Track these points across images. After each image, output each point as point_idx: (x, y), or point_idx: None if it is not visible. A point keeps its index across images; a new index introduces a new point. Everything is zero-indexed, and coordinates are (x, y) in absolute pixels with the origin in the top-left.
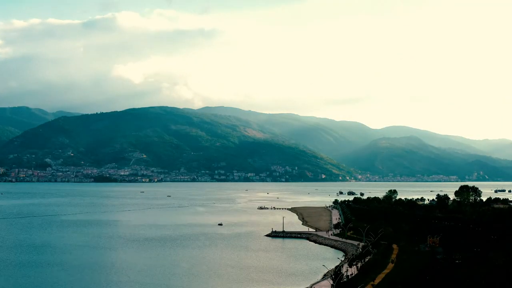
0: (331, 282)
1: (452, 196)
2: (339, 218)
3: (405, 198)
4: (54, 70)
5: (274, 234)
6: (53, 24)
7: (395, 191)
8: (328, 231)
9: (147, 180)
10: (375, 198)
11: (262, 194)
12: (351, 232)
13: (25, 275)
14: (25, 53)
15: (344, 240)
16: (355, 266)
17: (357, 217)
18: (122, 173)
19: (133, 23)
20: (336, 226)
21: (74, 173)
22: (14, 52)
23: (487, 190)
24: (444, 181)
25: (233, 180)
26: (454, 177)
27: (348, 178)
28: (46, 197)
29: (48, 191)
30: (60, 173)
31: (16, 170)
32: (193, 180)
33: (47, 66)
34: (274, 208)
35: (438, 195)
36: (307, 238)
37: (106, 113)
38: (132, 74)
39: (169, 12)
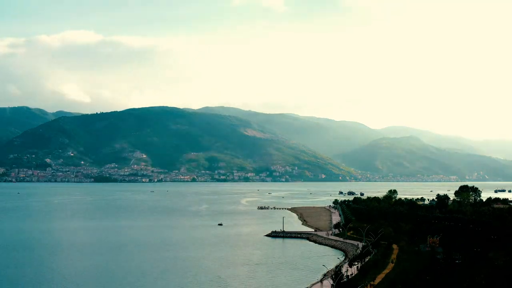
0: (331, 282)
1: (452, 196)
2: (339, 218)
3: (405, 198)
4: None
5: (274, 234)
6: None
7: (395, 191)
8: (328, 231)
9: (147, 180)
10: (375, 198)
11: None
12: (351, 232)
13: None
14: None
15: (344, 240)
16: (355, 266)
17: (357, 217)
18: (122, 173)
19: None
20: (336, 226)
21: (74, 173)
22: None
23: (487, 190)
24: (444, 181)
25: (233, 180)
26: (454, 177)
27: (348, 178)
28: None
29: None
30: (60, 173)
31: (16, 170)
32: (193, 180)
33: None
34: (274, 208)
35: (438, 195)
36: (307, 238)
37: (106, 113)
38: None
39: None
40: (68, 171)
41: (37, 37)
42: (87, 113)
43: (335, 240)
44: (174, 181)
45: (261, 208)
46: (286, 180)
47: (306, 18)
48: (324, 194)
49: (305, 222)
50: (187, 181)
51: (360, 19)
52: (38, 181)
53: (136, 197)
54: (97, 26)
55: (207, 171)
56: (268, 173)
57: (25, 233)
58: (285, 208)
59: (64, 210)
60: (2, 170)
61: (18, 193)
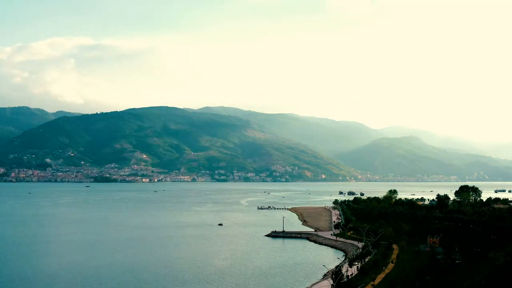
0: (331, 282)
1: (452, 196)
2: (339, 218)
3: (405, 198)
4: None
5: (274, 234)
6: None
7: (395, 191)
8: (328, 231)
9: (147, 180)
10: (375, 198)
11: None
12: (351, 232)
13: None
14: None
15: (344, 240)
16: (355, 266)
17: (357, 217)
18: (122, 173)
19: None
20: (336, 226)
21: (74, 173)
22: None
23: (487, 190)
24: (444, 181)
25: (233, 180)
26: (454, 177)
27: (348, 178)
28: None
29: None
30: (60, 173)
31: (16, 170)
32: (193, 180)
33: None
34: (274, 208)
35: (438, 195)
36: (307, 238)
37: (106, 113)
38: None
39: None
40: (68, 171)
41: (30, 44)
42: (87, 113)
43: (335, 240)
44: (174, 181)
45: (261, 208)
46: (286, 180)
47: (305, 18)
48: (324, 194)
49: (305, 222)
50: (187, 181)
51: (360, 19)
52: (38, 181)
53: (141, 196)
54: (91, 30)
55: (207, 171)
56: (268, 173)
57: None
58: (285, 208)
59: (79, 209)
60: (2, 170)
61: (29, 193)
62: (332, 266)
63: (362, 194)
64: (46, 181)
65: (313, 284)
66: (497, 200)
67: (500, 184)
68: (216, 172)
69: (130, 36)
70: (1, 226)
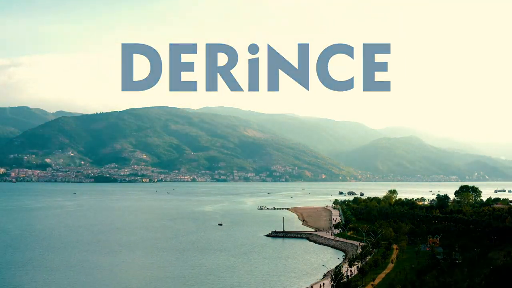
0: (331, 282)
1: (452, 196)
2: (339, 218)
3: (405, 198)
4: None
5: (274, 234)
6: None
7: (395, 191)
8: (328, 231)
9: (147, 180)
10: (375, 198)
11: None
12: (351, 232)
13: None
14: None
15: (344, 240)
16: (355, 266)
17: (357, 217)
18: (122, 173)
19: None
20: (336, 226)
21: (74, 173)
22: None
23: (487, 190)
24: (444, 181)
25: (233, 180)
26: (454, 177)
27: (348, 178)
28: None
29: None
30: (60, 173)
31: (16, 170)
32: (193, 180)
33: None
34: (274, 208)
35: (438, 195)
36: (307, 238)
37: (106, 113)
38: None
39: None
40: (68, 171)
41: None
42: (87, 113)
43: (335, 240)
44: (174, 181)
45: (261, 208)
46: (286, 180)
47: (305, 14)
48: (324, 194)
49: (305, 222)
50: (187, 181)
51: (359, 16)
52: (38, 181)
53: (148, 196)
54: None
55: (207, 171)
56: (268, 173)
57: None
58: (285, 208)
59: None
60: (2, 170)
61: (75, 193)
62: (332, 266)
63: (362, 194)
64: (46, 181)
65: (313, 284)
66: (497, 200)
67: (500, 184)
68: (216, 172)
69: (128, 35)
70: None
